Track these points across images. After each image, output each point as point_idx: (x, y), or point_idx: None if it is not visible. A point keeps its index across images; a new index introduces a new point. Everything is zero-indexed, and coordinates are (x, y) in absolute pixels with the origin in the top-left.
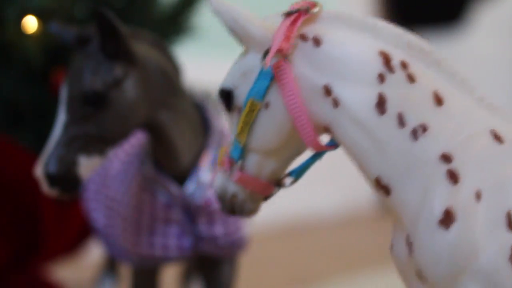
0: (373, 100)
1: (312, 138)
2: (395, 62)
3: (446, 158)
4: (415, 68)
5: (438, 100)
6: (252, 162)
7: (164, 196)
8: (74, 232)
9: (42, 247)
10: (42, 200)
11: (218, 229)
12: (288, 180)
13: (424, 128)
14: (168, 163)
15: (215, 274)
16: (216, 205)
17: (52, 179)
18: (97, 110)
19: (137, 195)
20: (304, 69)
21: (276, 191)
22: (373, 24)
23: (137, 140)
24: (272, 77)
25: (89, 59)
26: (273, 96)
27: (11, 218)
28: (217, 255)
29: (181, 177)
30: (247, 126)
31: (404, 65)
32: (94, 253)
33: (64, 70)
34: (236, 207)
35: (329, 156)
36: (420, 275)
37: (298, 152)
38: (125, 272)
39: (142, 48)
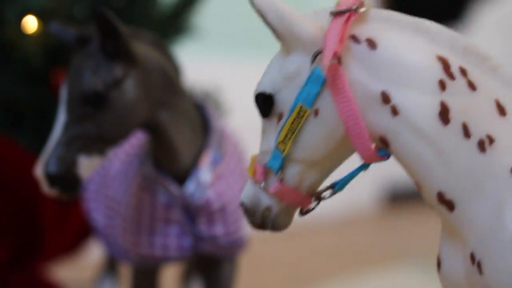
0: (436, 108)
1: (368, 148)
2: (454, 68)
3: None
4: (473, 74)
5: (501, 110)
6: (293, 173)
7: (164, 196)
8: (74, 232)
9: (42, 247)
10: (42, 200)
11: (218, 229)
12: (327, 192)
13: (491, 140)
14: (168, 163)
15: (215, 274)
16: (216, 205)
17: (52, 179)
18: (97, 110)
19: (137, 195)
20: (359, 74)
21: (315, 205)
22: (426, 27)
23: (137, 140)
24: (323, 81)
25: (89, 59)
26: (324, 103)
27: (11, 218)
28: (217, 255)
29: (181, 177)
30: (293, 134)
31: (463, 72)
32: (94, 253)
33: (64, 70)
34: (268, 221)
35: None
36: None
37: (341, 163)
38: (125, 272)
39: (142, 48)
